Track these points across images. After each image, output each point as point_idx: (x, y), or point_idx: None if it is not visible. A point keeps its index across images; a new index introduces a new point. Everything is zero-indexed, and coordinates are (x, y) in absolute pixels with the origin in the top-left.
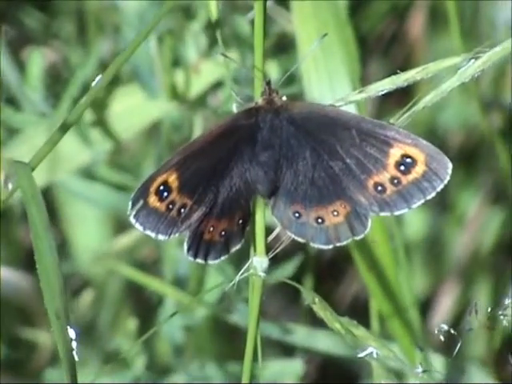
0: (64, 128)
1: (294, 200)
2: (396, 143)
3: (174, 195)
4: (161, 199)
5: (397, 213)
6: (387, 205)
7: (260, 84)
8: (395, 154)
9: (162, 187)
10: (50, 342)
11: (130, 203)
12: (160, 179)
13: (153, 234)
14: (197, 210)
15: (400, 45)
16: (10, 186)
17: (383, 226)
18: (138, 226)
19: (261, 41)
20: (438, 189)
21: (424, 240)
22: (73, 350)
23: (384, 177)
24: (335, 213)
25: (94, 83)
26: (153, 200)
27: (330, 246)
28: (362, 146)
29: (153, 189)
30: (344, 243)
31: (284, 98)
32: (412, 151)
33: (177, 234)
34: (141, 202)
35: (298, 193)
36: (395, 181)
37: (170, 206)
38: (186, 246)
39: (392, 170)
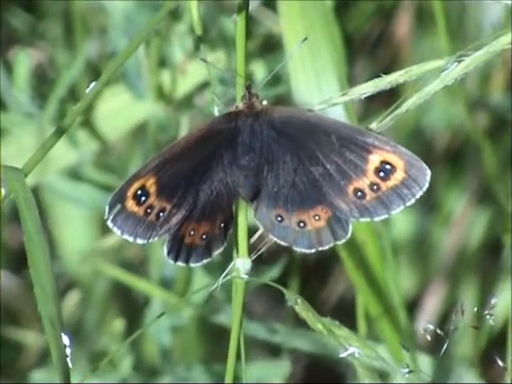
0: (56, 135)
1: (276, 204)
2: (375, 150)
3: (152, 199)
4: (138, 203)
5: (376, 219)
6: (367, 211)
7: (241, 88)
8: (374, 160)
9: (139, 191)
10: (37, 343)
11: (107, 207)
12: (137, 184)
13: (131, 239)
14: (176, 213)
15: (386, 45)
16: (3, 191)
17: (371, 225)
18: (115, 230)
19: (242, 46)
20: (417, 196)
21: (411, 240)
22: (67, 356)
23: (363, 183)
24: (317, 217)
25: (87, 90)
26: (130, 204)
27: (313, 250)
28: (341, 151)
29: (130, 193)
30: (326, 247)
31: (264, 103)
32: (391, 158)
33: (156, 238)
34: (118, 207)
35: (280, 196)
36: (375, 187)
37: (149, 210)
38: (165, 250)
39: (371, 176)
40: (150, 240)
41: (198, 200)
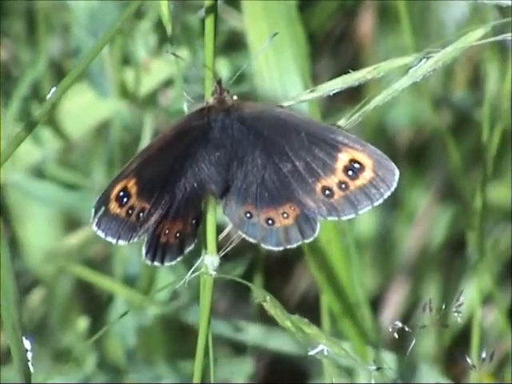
0: (19, 138)
1: (245, 200)
2: (345, 148)
3: (133, 200)
4: (121, 205)
5: (344, 218)
6: (335, 209)
7: (211, 83)
8: (343, 158)
9: (121, 193)
10: (2, 341)
11: (93, 211)
12: (120, 185)
13: (114, 240)
14: (154, 213)
15: (349, 43)
16: None
17: (334, 223)
18: (100, 233)
19: (211, 40)
20: (385, 196)
21: (374, 237)
22: (28, 361)
23: (332, 181)
24: (285, 215)
25: (49, 96)
26: (113, 206)
27: (281, 248)
28: (310, 149)
29: (113, 195)
30: (294, 246)
31: (235, 98)
32: (360, 156)
33: (136, 239)
34: (102, 209)
35: (249, 193)
36: (343, 185)
37: (130, 212)
38: (144, 251)
39: (340, 175)
40: (131, 241)
41: (173, 198)
